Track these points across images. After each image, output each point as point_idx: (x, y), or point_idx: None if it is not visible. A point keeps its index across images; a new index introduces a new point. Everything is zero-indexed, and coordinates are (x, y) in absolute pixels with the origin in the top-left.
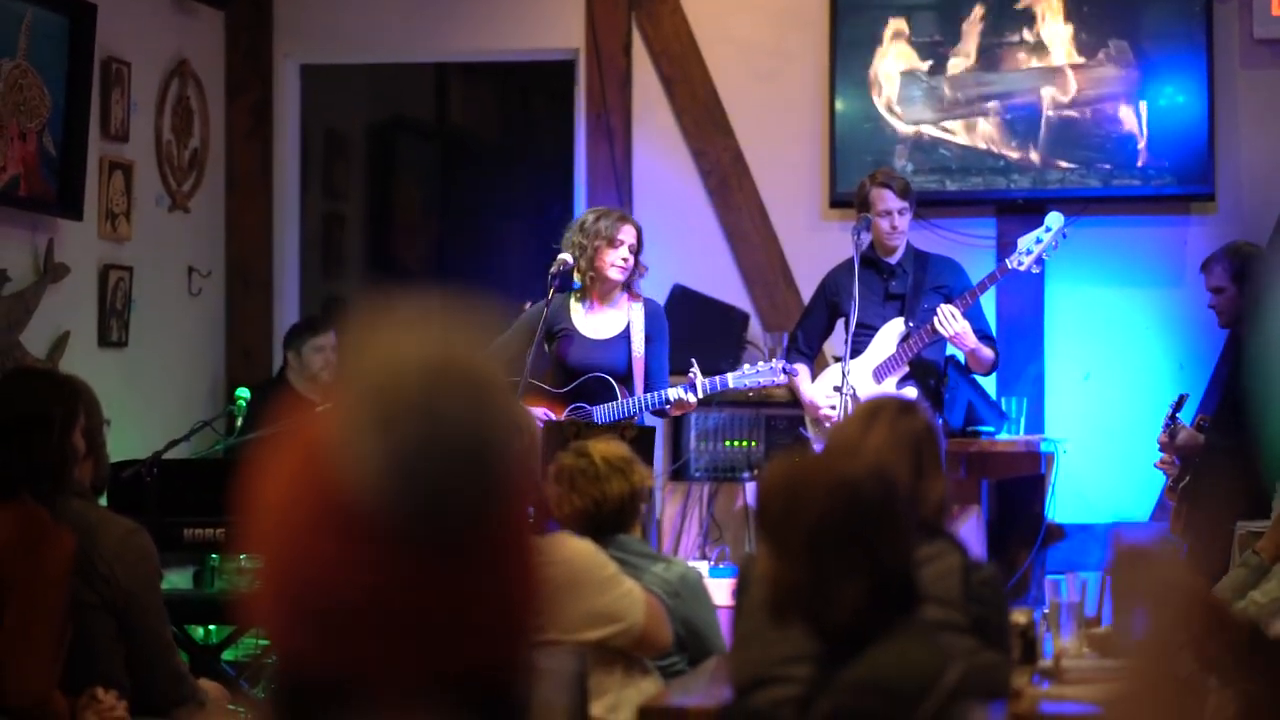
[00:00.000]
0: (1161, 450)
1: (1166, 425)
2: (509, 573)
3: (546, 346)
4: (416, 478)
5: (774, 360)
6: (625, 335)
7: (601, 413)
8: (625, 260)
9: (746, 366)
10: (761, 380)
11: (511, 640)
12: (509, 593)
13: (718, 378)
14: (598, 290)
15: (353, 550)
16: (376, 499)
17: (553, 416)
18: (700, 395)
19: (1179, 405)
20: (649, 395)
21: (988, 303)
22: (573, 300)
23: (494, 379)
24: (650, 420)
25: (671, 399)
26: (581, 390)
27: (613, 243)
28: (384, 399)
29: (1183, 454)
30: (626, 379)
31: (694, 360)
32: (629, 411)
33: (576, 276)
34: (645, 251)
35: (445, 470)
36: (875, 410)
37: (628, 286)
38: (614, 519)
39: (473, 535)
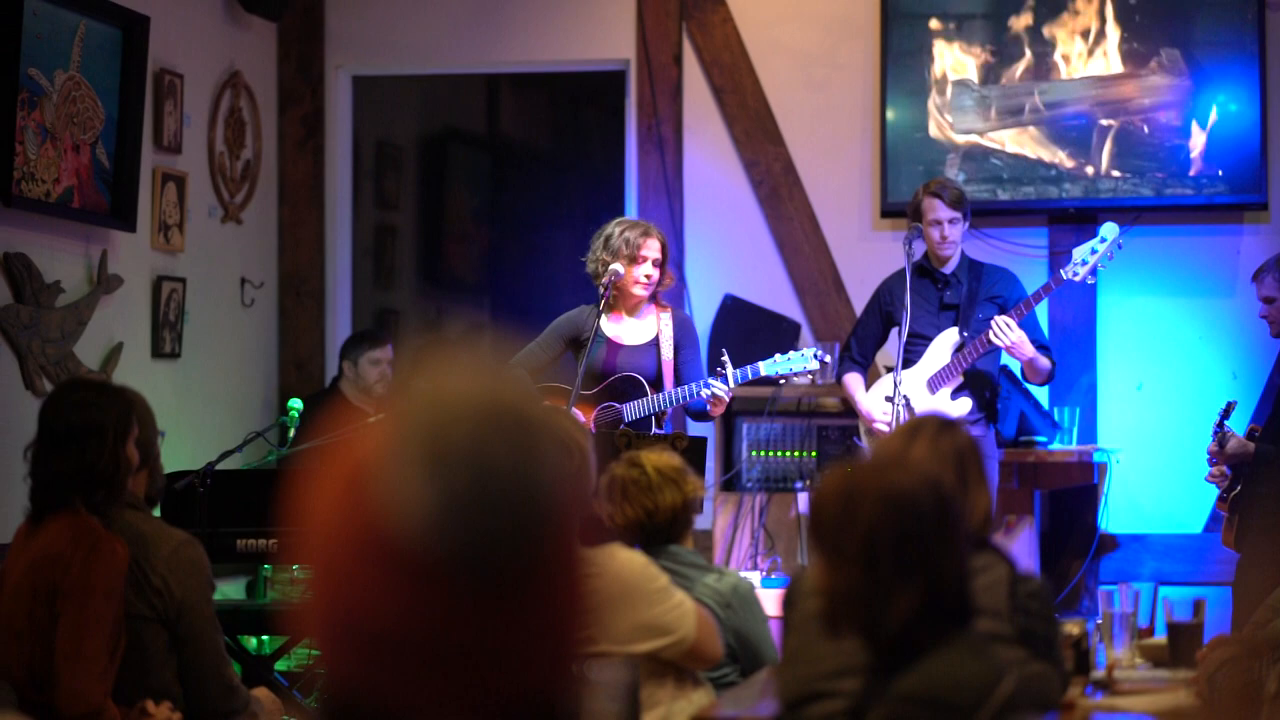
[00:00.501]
0: (1211, 459)
1: (1215, 433)
2: (555, 606)
3: (575, 355)
4: (463, 522)
5: (805, 349)
6: (654, 343)
7: (631, 409)
8: (649, 277)
9: (778, 355)
10: (794, 367)
11: (558, 667)
12: (555, 624)
13: (749, 366)
14: (624, 302)
15: (397, 583)
16: (423, 540)
17: (582, 417)
18: (732, 385)
19: (1227, 413)
20: (678, 390)
21: (1040, 313)
22: (601, 311)
23: (544, 421)
24: (701, 430)
25: (706, 394)
26: (611, 389)
27: (636, 260)
28: (434, 442)
29: (1233, 463)
30: (656, 384)
31: (724, 350)
32: (659, 406)
33: (601, 290)
34: (695, 262)
35: (492, 515)
36: (915, 428)
37: (654, 297)
38: (666, 529)
39: (519, 574)
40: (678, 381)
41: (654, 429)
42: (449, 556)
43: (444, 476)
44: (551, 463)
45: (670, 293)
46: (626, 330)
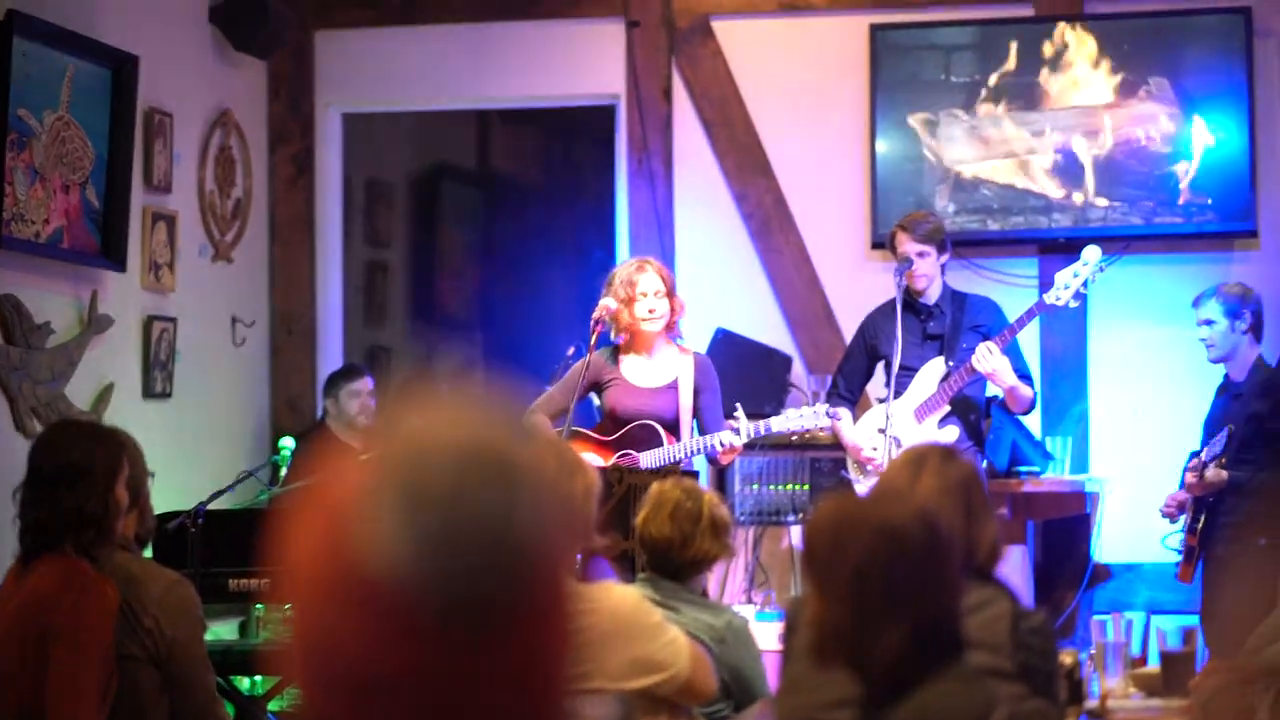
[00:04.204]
0: (1188, 488)
1: (1207, 463)
2: (540, 647)
3: (596, 398)
4: (441, 565)
5: (818, 405)
6: (673, 385)
7: (648, 459)
8: (652, 311)
9: (791, 411)
10: (806, 424)
11: (545, 709)
12: (541, 666)
13: (762, 422)
14: (640, 342)
15: (377, 625)
16: (401, 581)
17: (601, 462)
18: (745, 439)
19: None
20: (694, 440)
21: (1032, 342)
22: (620, 353)
23: (528, 462)
24: (693, 463)
25: (718, 445)
26: (627, 437)
27: (633, 297)
28: (412, 483)
29: (1208, 492)
30: (673, 427)
31: (738, 405)
32: (675, 457)
33: (614, 333)
34: (686, 295)
35: (471, 557)
36: (920, 459)
37: (670, 329)
38: (680, 567)
39: (501, 615)
40: (696, 424)
41: None
42: (428, 598)
43: (421, 518)
44: (535, 504)
45: None
46: (645, 373)
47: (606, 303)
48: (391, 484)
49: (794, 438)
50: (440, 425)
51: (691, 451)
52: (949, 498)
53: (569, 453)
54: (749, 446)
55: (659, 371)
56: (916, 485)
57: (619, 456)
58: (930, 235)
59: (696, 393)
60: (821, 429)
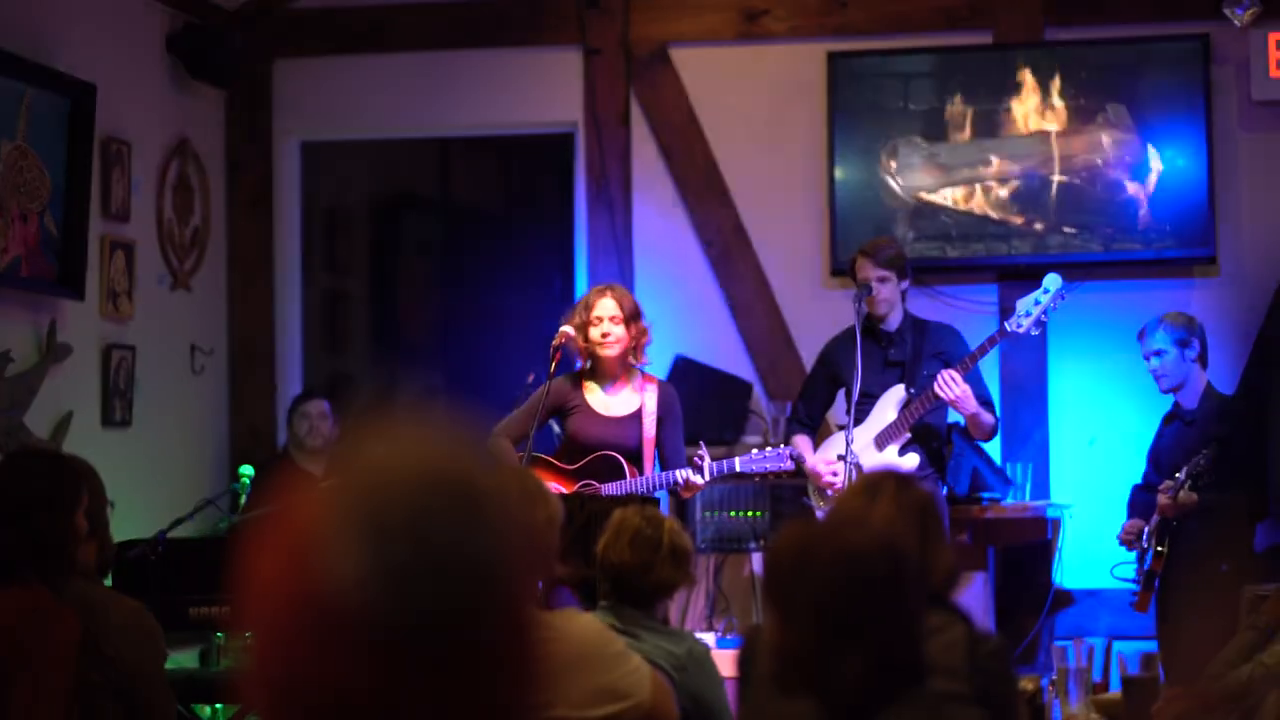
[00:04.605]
0: (1162, 511)
1: (1180, 485)
2: (504, 673)
3: (557, 425)
4: (404, 593)
5: (781, 446)
6: (637, 415)
7: (610, 490)
8: (606, 335)
9: (754, 451)
10: (769, 465)
11: None
12: (504, 692)
13: (724, 462)
14: (601, 368)
15: (338, 653)
16: (362, 610)
17: (563, 490)
18: (707, 478)
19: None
20: (656, 476)
21: (991, 369)
22: (584, 379)
23: (489, 489)
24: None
25: (680, 480)
26: (589, 468)
27: (589, 321)
28: (373, 512)
29: (1177, 514)
30: (636, 457)
31: (702, 443)
32: (637, 489)
33: (576, 359)
34: (646, 322)
35: (433, 584)
36: (876, 485)
37: (634, 355)
38: (641, 594)
39: (463, 642)
40: (658, 455)
41: None
42: (390, 626)
43: (384, 545)
44: (497, 531)
45: None
46: (609, 401)
47: (565, 328)
48: (353, 511)
49: (756, 479)
50: (402, 452)
51: (653, 486)
52: (904, 523)
53: (532, 480)
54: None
55: (622, 401)
56: (872, 511)
57: (581, 486)
58: (891, 261)
59: (659, 424)
60: (784, 470)
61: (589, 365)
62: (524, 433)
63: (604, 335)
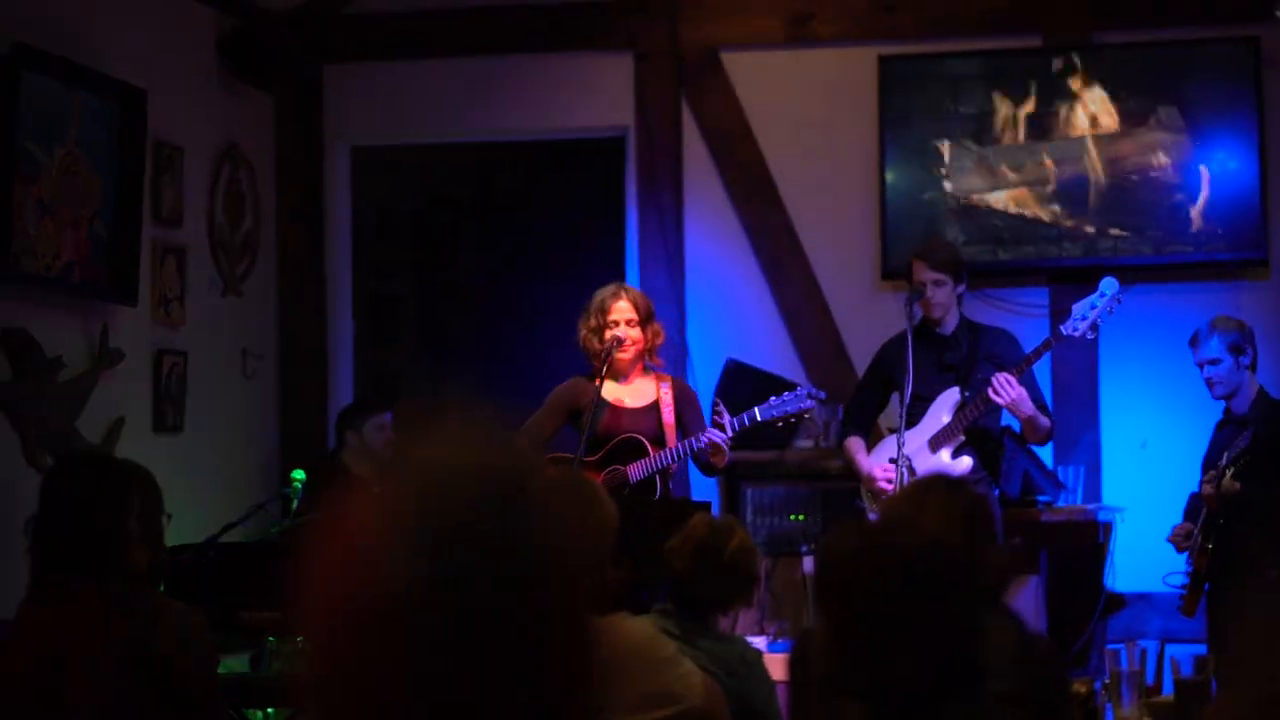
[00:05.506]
0: (1205, 500)
1: (1222, 475)
2: (559, 675)
3: (575, 425)
4: (455, 596)
5: (798, 388)
6: (655, 406)
7: (637, 469)
8: (623, 338)
9: (773, 398)
10: (789, 408)
11: None
12: (560, 694)
13: (744, 415)
14: (617, 368)
15: (393, 656)
16: (414, 614)
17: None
18: (730, 432)
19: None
20: (680, 444)
21: (1044, 371)
22: (599, 378)
23: (541, 491)
24: (705, 494)
25: (704, 441)
26: (613, 453)
27: (605, 324)
28: (426, 516)
29: (1220, 503)
30: (659, 444)
31: (718, 399)
32: (663, 463)
33: (591, 359)
34: (697, 326)
35: (485, 589)
36: (924, 489)
37: (650, 356)
38: (698, 604)
39: (517, 644)
40: (680, 437)
41: (659, 489)
42: (442, 629)
43: (436, 549)
44: (550, 532)
45: (672, 356)
46: (626, 393)
47: (583, 333)
48: (406, 515)
49: (779, 424)
50: (454, 456)
51: (679, 455)
52: (952, 527)
53: (586, 484)
54: (759, 476)
55: (639, 393)
56: (920, 514)
57: (607, 473)
58: (946, 263)
59: (679, 413)
60: (804, 410)
61: (604, 366)
62: (542, 437)
63: (621, 338)
